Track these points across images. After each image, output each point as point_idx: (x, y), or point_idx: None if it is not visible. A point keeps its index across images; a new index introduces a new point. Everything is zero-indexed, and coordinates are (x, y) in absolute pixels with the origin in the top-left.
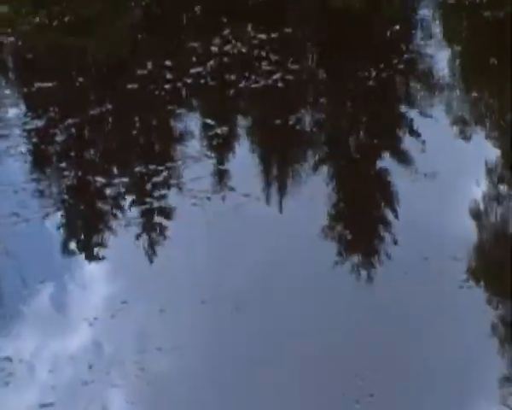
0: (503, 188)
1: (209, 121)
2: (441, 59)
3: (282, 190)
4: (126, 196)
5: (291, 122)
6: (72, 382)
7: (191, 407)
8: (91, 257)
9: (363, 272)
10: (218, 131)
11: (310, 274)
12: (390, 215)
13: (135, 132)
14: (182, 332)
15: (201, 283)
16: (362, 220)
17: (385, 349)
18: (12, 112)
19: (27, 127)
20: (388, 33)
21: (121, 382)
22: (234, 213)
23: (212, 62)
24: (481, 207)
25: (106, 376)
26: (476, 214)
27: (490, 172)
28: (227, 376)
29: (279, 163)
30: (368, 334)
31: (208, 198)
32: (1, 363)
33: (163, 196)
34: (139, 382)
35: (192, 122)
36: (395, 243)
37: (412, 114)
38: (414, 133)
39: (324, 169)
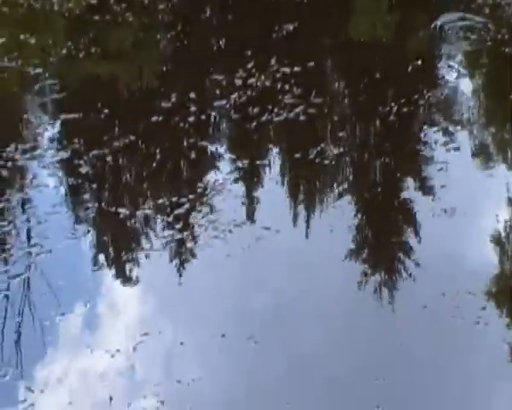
0: None
1: (231, 154)
2: (463, 93)
3: (302, 223)
4: (148, 228)
5: (311, 156)
6: None
7: None
8: (115, 284)
9: (382, 306)
10: (240, 164)
11: (329, 302)
12: (408, 250)
13: (157, 165)
14: (201, 365)
15: (222, 316)
16: (380, 254)
17: (401, 380)
18: (36, 143)
19: (52, 159)
20: (410, 68)
21: None
22: (255, 245)
23: (235, 95)
24: (502, 238)
25: (126, 408)
26: (497, 245)
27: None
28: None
29: (300, 196)
30: (385, 363)
31: (230, 231)
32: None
33: (184, 229)
34: None
35: (214, 155)
36: (414, 277)
37: (434, 147)
38: (436, 166)
39: (345, 201)
